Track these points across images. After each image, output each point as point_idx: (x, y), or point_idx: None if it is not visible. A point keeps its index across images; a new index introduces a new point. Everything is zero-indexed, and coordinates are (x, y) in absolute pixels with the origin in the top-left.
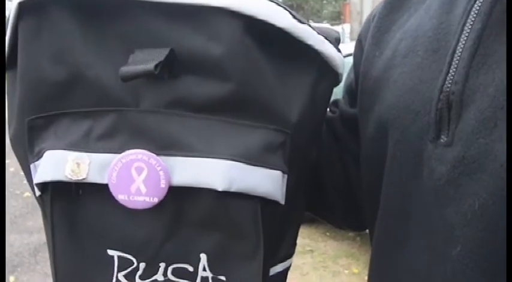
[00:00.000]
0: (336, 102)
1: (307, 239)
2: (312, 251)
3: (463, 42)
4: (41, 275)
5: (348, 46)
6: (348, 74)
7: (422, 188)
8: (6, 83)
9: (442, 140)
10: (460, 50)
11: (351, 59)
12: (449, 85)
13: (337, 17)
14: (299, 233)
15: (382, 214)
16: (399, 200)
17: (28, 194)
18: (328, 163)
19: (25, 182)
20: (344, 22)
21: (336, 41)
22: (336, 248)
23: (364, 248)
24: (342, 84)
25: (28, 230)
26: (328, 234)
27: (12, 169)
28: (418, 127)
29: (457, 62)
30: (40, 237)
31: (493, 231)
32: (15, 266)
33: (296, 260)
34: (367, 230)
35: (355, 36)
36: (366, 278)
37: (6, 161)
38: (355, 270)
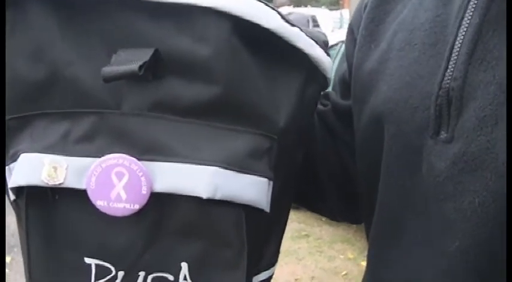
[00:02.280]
0: (326, 94)
1: (302, 224)
2: (307, 235)
3: (461, 37)
4: None
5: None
6: (340, 64)
7: (421, 182)
8: None
9: (442, 136)
10: (459, 45)
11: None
12: (448, 81)
13: (336, 3)
14: (295, 218)
15: (379, 207)
16: (396, 193)
17: None
18: (323, 157)
19: None
20: (343, 7)
21: (324, 45)
22: (332, 234)
23: (360, 234)
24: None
25: None
26: (323, 219)
27: None
28: (417, 122)
29: (455, 57)
30: None
31: (493, 228)
32: (12, 246)
33: (292, 245)
34: (345, 222)
35: None
36: (362, 263)
37: None
38: (351, 256)
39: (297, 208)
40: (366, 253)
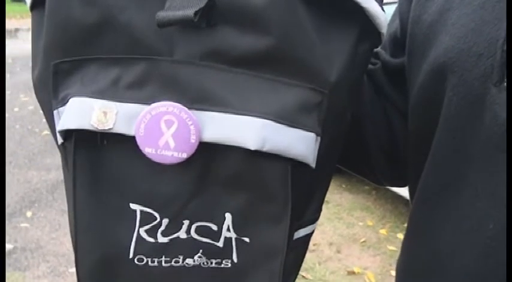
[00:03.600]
0: (375, 53)
1: None
2: (327, 202)
3: None
4: (58, 212)
5: None
6: (390, 23)
7: (483, 132)
8: (31, 24)
9: (505, 83)
10: None
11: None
12: None
13: None
14: None
15: (432, 163)
16: (455, 146)
17: (46, 132)
18: (370, 117)
19: (44, 120)
20: None
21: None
22: (351, 201)
23: (379, 202)
24: None
25: (46, 167)
26: (344, 186)
27: (31, 107)
28: (481, 70)
29: None
30: (58, 174)
31: None
32: (33, 202)
33: None
34: (387, 186)
35: None
36: (380, 230)
37: (25, 99)
38: (370, 223)
39: None
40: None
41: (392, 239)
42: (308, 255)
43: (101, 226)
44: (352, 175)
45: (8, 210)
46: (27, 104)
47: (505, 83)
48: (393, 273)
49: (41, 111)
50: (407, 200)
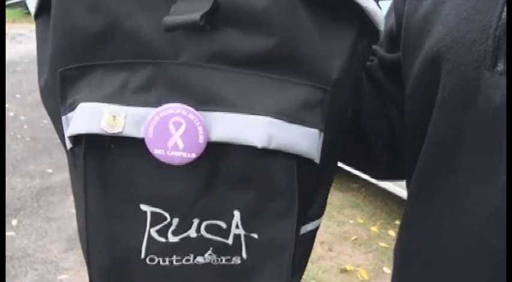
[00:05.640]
0: (372, 50)
1: None
2: None
3: None
4: (44, 219)
5: None
6: (385, 19)
7: (476, 116)
8: (36, 32)
9: (499, 68)
10: None
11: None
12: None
13: None
14: None
15: (429, 147)
16: (450, 131)
17: (28, 139)
18: (370, 113)
19: (26, 126)
20: None
21: None
22: (341, 199)
23: (369, 199)
24: None
25: (30, 174)
26: (333, 184)
27: (11, 113)
28: (474, 55)
29: None
30: (42, 181)
31: None
32: (18, 210)
33: None
34: (387, 180)
35: None
36: (371, 228)
37: (7, 105)
38: (360, 221)
39: None
40: (375, 218)
41: (383, 236)
42: None
43: (112, 228)
44: (341, 173)
45: None
46: (8, 110)
47: (498, 68)
48: (386, 269)
49: (22, 118)
50: (398, 197)
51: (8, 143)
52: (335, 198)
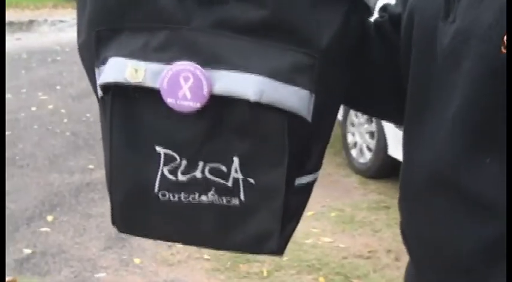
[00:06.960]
0: (384, 7)
1: (382, 195)
2: (387, 207)
3: None
4: (82, 216)
5: None
6: None
7: (435, 60)
8: (76, 3)
9: (449, 19)
10: None
11: None
12: None
13: None
14: (374, 189)
15: (409, 89)
16: (421, 75)
17: (68, 133)
18: (380, 66)
19: (66, 120)
20: None
21: None
22: None
23: None
24: None
25: (69, 169)
26: None
27: (50, 106)
28: (434, 9)
29: None
30: (82, 177)
31: (484, 86)
32: (54, 206)
33: (367, 216)
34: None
35: None
36: None
37: (44, 97)
38: None
39: (376, 178)
40: None
41: None
42: (362, 262)
43: (132, 166)
44: None
45: (26, 214)
46: (46, 103)
47: (450, 18)
48: None
49: (63, 111)
50: None
51: (45, 137)
52: None
